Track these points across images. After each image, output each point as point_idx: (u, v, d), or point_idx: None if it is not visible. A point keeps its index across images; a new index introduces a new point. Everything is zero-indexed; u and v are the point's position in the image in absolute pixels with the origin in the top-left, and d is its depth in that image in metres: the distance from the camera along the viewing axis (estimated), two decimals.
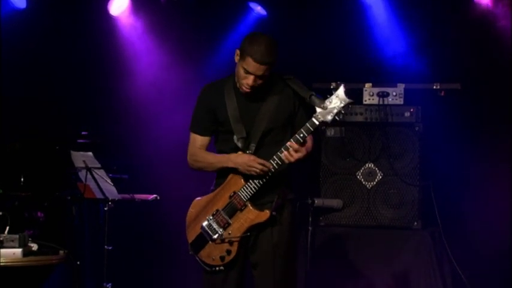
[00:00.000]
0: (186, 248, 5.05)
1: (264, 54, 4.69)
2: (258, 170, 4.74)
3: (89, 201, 7.25)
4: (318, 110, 4.67)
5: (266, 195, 4.86)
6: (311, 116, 4.75)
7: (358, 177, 6.96)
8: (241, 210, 4.84)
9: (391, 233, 6.81)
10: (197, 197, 5.05)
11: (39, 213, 7.24)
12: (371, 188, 6.94)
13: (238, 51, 4.81)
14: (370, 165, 6.95)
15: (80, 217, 7.51)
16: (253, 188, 4.81)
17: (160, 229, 8.02)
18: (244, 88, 4.79)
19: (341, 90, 4.67)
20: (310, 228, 6.67)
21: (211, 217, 4.89)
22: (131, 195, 7.05)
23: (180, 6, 8.10)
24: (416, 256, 6.72)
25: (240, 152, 4.84)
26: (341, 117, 4.70)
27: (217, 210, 4.89)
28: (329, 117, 4.65)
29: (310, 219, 6.68)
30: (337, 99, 4.63)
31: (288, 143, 4.72)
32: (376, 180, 6.92)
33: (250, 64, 4.70)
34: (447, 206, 6.99)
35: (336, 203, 6.92)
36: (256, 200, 4.85)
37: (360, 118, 6.99)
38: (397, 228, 6.82)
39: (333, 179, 7.01)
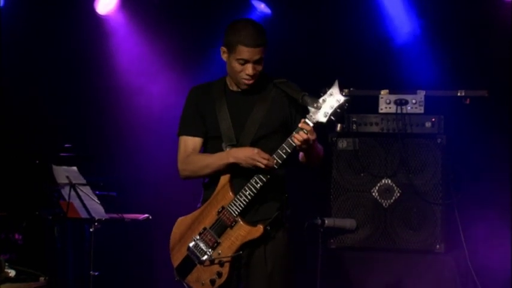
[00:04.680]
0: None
1: (254, 36, 4.77)
2: (262, 165, 4.72)
3: (73, 221, 7.26)
4: (312, 110, 4.67)
5: (260, 211, 4.85)
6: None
7: (374, 194, 6.95)
8: (232, 227, 4.82)
9: (410, 257, 6.78)
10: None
11: (16, 235, 7.24)
12: (388, 206, 6.92)
13: (224, 48, 4.88)
14: (386, 181, 6.93)
15: (63, 239, 7.51)
16: (243, 201, 4.79)
17: (152, 252, 8.00)
18: (245, 81, 4.83)
19: (335, 88, 4.66)
20: (320, 251, 6.65)
21: (198, 237, 4.88)
22: (120, 214, 7.05)
23: (175, 5, 8.11)
24: (439, 282, 6.69)
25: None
26: (336, 117, 4.68)
27: (204, 229, 4.87)
28: (323, 118, 4.66)
29: (319, 241, 6.67)
30: (332, 98, 4.64)
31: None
32: (393, 197, 6.90)
33: (244, 51, 4.77)
34: (473, 227, 6.96)
35: (348, 223, 6.90)
36: (250, 218, 4.83)
37: (375, 129, 6.99)
38: (417, 252, 6.79)
39: (345, 197, 7.00)
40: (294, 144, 4.69)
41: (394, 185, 6.91)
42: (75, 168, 6.91)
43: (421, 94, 6.95)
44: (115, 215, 7.03)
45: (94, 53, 8.19)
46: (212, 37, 7.93)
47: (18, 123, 8.03)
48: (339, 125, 6.88)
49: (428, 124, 6.88)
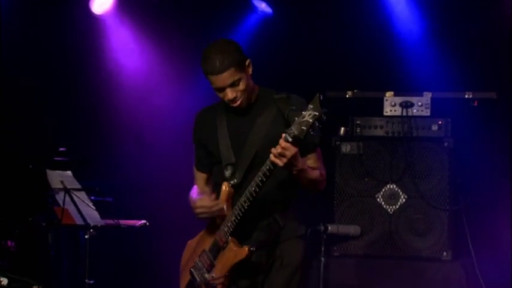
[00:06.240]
0: (179, 281, 5.04)
1: (217, 63, 4.73)
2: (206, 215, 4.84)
3: (68, 227, 7.25)
4: (292, 124, 4.59)
5: (250, 232, 4.82)
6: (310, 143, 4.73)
7: (378, 200, 6.93)
8: (223, 249, 4.83)
9: (416, 264, 6.76)
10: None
11: (9, 242, 7.23)
12: (393, 212, 6.90)
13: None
14: (392, 186, 6.91)
15: (57, 246, 7.50)
16: (233, 222, 4.78)
17: (149, 260, 7.99)
18: (232, 105, 4.83)
19: (315, 102, 4.57)
20: (322, 259, 6.66)
21: (197, 259, 4.93)
22: (116, 220, 7.03)
23: (174, 4, 8.09)
24: None
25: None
26: (316, 132, 4.57)
27: (203, 251, 4.92)
28: (301, 132, 4.52)
29: (322, 248, 6.66)
30: (310, 112, 4.54)
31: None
32: (399, 203, 6.89)
33: (214, 80, 4.77)
34: (481, 233, 6.95)
35: (352, 230, 6.89)
36: (242, 239, 4.80)
37: (380, 132, 6.97)
38: (423, 260, 6.77)
39: (349, 202, 6.98)
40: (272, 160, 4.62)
41: (399, 190, 6.89)
42: (69, 172, 6.90)
43: (427, 96, 6.93)
44: (111, 221, 7.03)
45: (89, 54, 8.18)
46: (212, 37, 7.92)
47: (11, 126, 8.01)
48: (342, 129, 6.92)
49: (434, 127, 6.87)
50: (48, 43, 8.13)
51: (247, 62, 4.78)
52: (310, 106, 4.51)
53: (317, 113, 4.47)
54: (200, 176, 5.08)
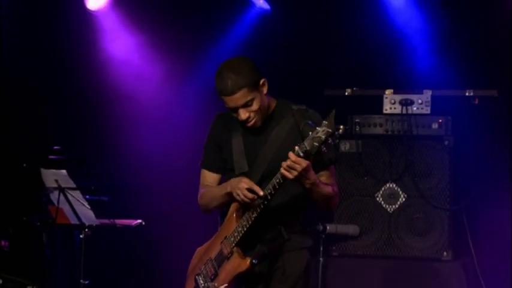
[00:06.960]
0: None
1: (228, 83, 4.71)
2: (241, 196, 4.67)
3: (62, 227, 7.24)
4: (306, 138, 4.57)
5: (258, 242, 4.78)
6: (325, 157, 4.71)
7: (378, 199, 6.93)
8: (228, 259, 4.81)
9: (416, 265, 6.77)
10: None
11: (3, 242, 7.22)
12: (393, 212, 6.90)
13: None
14: (391, 185, 6.91)
15: (52, 246, 7.49)
16: (240, 232, 4.77)
17: (145, 260, 7.97)
18: (246, 125, 4.82)
19: (331, 118, 4.57)
20: (321, 259, 6.68)
21: (203, 268, 4.92)
22: (112, 220, 7.02)
23: (171, 0, 8.07)
24: None
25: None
26: (328, 148, 4.55)
27: (209, 260, 4.91)
28: (313, 148, 4.52)
29: (321, 248, 6.68)
30: (324, 128, 4.52)
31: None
32: (398, 202, 6.89)
33: (226, 101, 4.76)
34: (482, 233, 6.94)
35: (351, 229, 6.89)
36: (248, 251, 4.78)
37: (379, 130, 6.97)
38: (423, 260, 6.78)
39: (348, 202, 6.98)
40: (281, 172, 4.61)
41: (399, 189, 6.89)
42: (64, 171, 6.89)
43: (427, 94, 6.94)
44: (106, 221, 7.02)
45: (84, 51, 8.15)
46: (210, 34, 7.93)
47: (5, 124, 7.98)
48: (341, 127, 6.89)
49: (435, 125, 6.87)
50: (44, 41, 8.11)
51: (262, 81, 4.74)
52: (325, 122, 4.51)
53: (330, 130, 4.48)
54: (212, 177, 5.01)
